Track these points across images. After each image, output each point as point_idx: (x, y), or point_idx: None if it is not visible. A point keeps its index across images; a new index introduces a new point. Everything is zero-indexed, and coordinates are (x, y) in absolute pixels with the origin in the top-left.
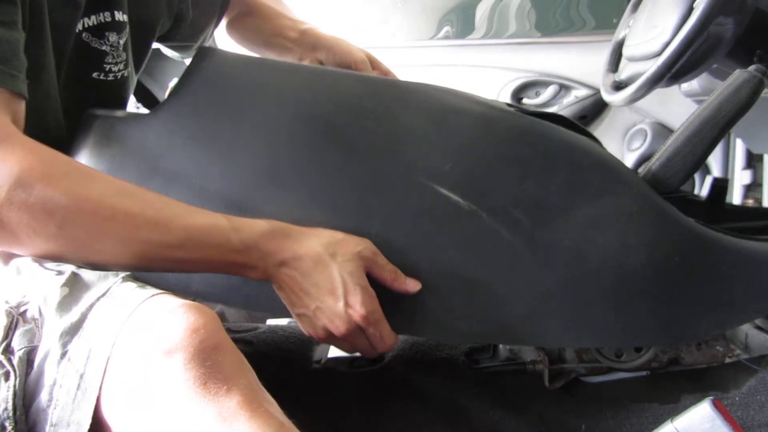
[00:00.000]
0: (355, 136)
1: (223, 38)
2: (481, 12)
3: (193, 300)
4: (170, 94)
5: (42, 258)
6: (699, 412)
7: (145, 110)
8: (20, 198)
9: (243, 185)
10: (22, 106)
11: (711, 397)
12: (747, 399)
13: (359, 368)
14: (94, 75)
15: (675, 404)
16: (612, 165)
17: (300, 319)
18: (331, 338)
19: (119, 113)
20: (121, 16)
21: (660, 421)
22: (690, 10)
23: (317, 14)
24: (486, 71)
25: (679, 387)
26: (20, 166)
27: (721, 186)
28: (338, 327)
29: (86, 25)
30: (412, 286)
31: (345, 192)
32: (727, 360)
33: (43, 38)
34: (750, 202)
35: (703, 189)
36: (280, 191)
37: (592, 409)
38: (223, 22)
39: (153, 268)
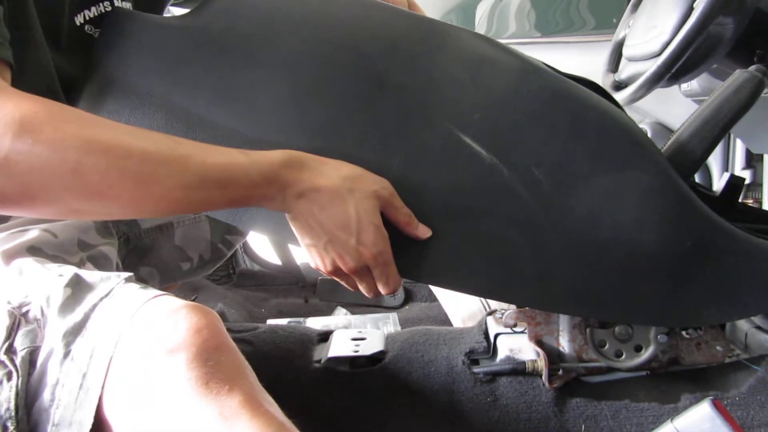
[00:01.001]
0: (388, 71)
1: None
2: (481, 12)
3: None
4: (185, 21)
5: (61, 216)
6: (699, 412)
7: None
8: (27, 145)
9: (269, 108)
10: (8, 74)
11: (711, 397)
12: (747, 399)
13: (359, 368)
14: None
15: (675, 404)
16: (640, 139)
17: (309, 250)
18: (337, 272)
19: (146, 14)
20: (121, 3)
21: (660, 421)
22: (690, 10)
23: None
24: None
25: (679, 387)
26: (22, 113)
27: (736, 184)
28: (347, 263)
29: (87, 18)
30: (423, 231)
31: (370, 125)
32: (727, 360)
33: (28, 19)
34: (750, 202)
35: (718, 184)
36: (303, 116)
37: (592, 409)
38: None
39: (174, 211)
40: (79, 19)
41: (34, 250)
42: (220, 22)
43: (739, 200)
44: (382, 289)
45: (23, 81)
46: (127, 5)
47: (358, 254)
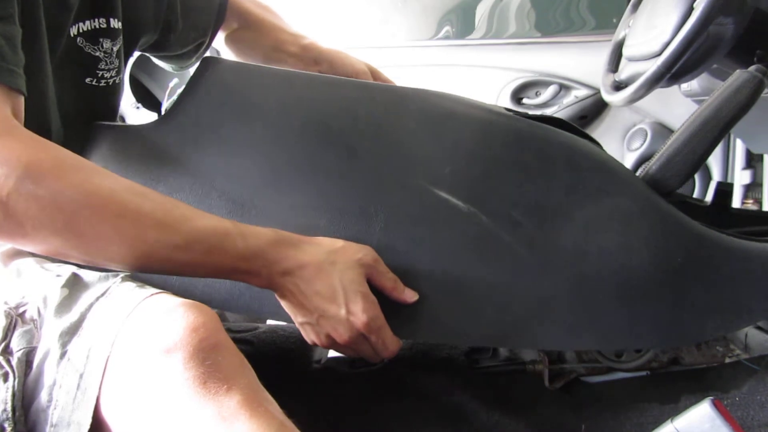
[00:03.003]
0: (355, 141)
1: (223, 50)
2: (481, 12)
3: None
4: (174, 103)
5: (45, 254)
6: (699, 412)
7: (144, 110)
8: (29, 189)
9: (246, 191)
10: (21, 102)
11: (711, 397)
12: (747, 399)
13: (359, 368)
14: (87, 80)
15: (675, 404)
16: (611, 166)
17: (303, 327)
18: (334, 345)
19: (125, 124)
20: (116, 23)
21: (660, 421)
22: (690, 10)
23: (317, 14)
24: (486, 71)
25: (679, 387)
26: (29, 158)
27: (724, 190)
28: (341, 334)
29: (80, 30)
30: (410, 296)
31: (346, 196)
32: (727, 360)
33: (37, 36)
34: (750, 202)
35: (707, 194)
36: (282, 197)
37: (592, 409)
38: (222, 36)
39: (157, 270)
40: (73, 31)
41: (34, 253)
42: (191, 120)
43: (739, 202)
44: (381, 354)
45: (28, 105)
46: (119, 25)
47: (350, 324)
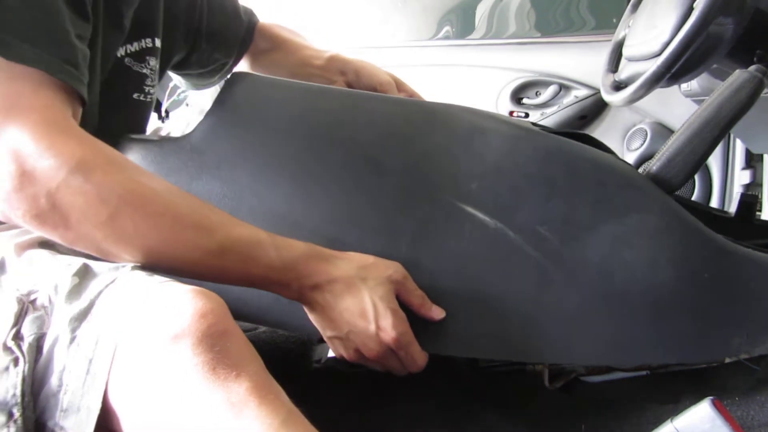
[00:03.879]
0: (382, 156)
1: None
2: (481, 12)
3: None
4: (204, 117)
5: (82, 248)
6: (699, 412)
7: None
8: (78, 182)
9: (275, 206)
10: (79, 111)
11: (711, 397)
12: (747, 399)
13: (359, 368)
14: (135, 95)
15: (675, 404)
16: (638, 182)
17: (331, 342)
18: (362, 360)
19: (154, 137)
20: (159, 43)
21: (660, 421)
22: (690, 10)
23: (317, 15)
24: (486, 71)
25: (679, 387)
26: (82, 153)
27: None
28: (371, 350)
29: (128, 51)
30: (437, 313)
31: (373, 212)
32: (727, 360)
33: (94, 58)
34: None
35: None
36: (310, 211)
37: (592, 409)
38: (247, 57)
39: (188, 273)
40: (121, 52)
41: (46, 245)
42: (220, 134)
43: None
44: (409, 368)
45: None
46: (159, 43)
47: (379, 340)
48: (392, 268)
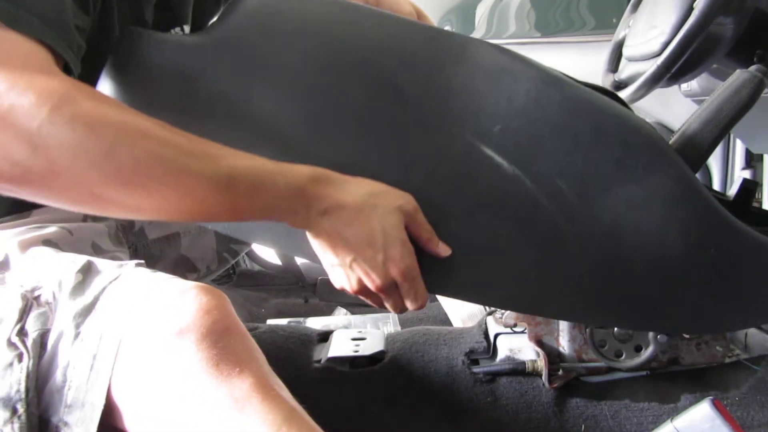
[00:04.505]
0: (407, 84)
1: None
2: (481, 12)
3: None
4: (216, 21)
5: (75, 203)
6: (699, 412)
7: None
8: (65, 117)
9: (286, 124)
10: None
11: (711, 397)
12: (747, 399)
13: (359, 368)
14: None
15: (675, 404)
16: (661, 146)
17: (333, 270)
18: (363, 291)
19: (160, 33)
20: (187, 29)
21: (660, 421)
22: (690, 10)
23: None
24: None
25: (679, 387)
26: (65, 87)
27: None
28: (374, 280)
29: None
30: (444, 249)
31: (389, 140)
32: (727, 360)
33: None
34: None
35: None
36: (325, 132)
37: (592, 409)
38: None
39: (194, 213)
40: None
41: (50, 243)
42: (236, 40)
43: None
44: (409, 305)
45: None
46: (188, 29)
47: (385, 271)
48: (403, 198)
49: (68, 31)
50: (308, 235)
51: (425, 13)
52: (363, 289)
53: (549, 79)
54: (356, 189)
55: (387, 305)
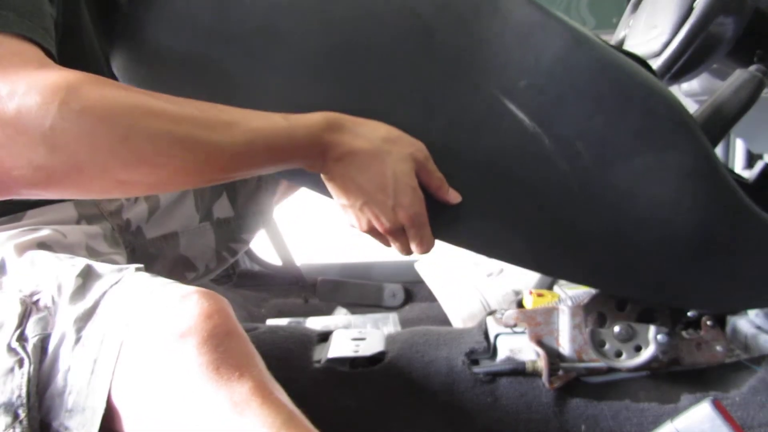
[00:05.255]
0: (438, 31)
1: None
2: None
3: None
4: None
5: (102, 192)
6: (699, 412)
7: None
8: (75, 109)
9: (308, 62)
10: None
11: (711, 397)
12: (747, 399)
13: (359, 368)
14: None
15: (675, 404)
16: (686, 120)
17: (345, 210)
18: (372, 231)
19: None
20: None
21: (660, 421)
22: (690, 10)
23: None
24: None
25: (679, 387)
26: (68, 79)
27: None
28: (383, 223)
29: None
30: (454, 196)
31: (414, 85)
32: (727, 360)
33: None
34: None
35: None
36: (349, 71)
37: (592, 409)
38: None
39: (216, 179)
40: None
41: (45, 246)
42: None
43: None
44: (415, 249)
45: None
46: None
47: (394, 215)
48: (416, 146)
49: (45, 21)
50: (323, 177)
51: None
52: (371, 230)
53: (580, 38)
54: (370, 134)
55: (394, 247)
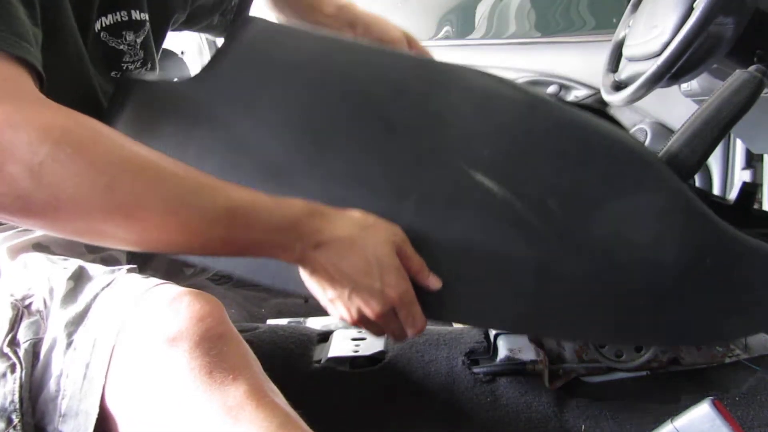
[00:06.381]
0: (394, 114)
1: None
2: (481, 12)
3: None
4: (210, 61)
5: (75, 233)
6: (699, 412)
7: None
8: (66, 153)
9: (278, 158)
10: (38, 83)
11: (711, 397)
12: (747, 399)
13: (359, 368)
14: (113, 74)
15: (675, 404)
16: (649, 160)
17: (333, 303)
18: (363, 320)
19: (155, 78)
20: (138, 15)
21: (660, 421)
22: (690, 10)
23: None
24: (486, 71)
25: (679, 387)
26: (64, 122)
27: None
28: (374, 307)
29: (103, 25)
30: (434, 282)
31: (380, 170)
32: (727, 360)
33: (68, 32)
34: None
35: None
36: (314, 166)
37: (592, 409)
38: None
39: (192, 246)
40: (97, 26)
41: (41, 247)
42: (226, 80)
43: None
44: (409, 331)
45: (58, 86)
46: (144, 16)
47: (383, 297)
48: (392, 230)
49: (28, 33)
50: (303, 272)
51: (414, 38)
52: (362, 319)
53: (533, 101)
54: (347, 222)
55: (387, 332)
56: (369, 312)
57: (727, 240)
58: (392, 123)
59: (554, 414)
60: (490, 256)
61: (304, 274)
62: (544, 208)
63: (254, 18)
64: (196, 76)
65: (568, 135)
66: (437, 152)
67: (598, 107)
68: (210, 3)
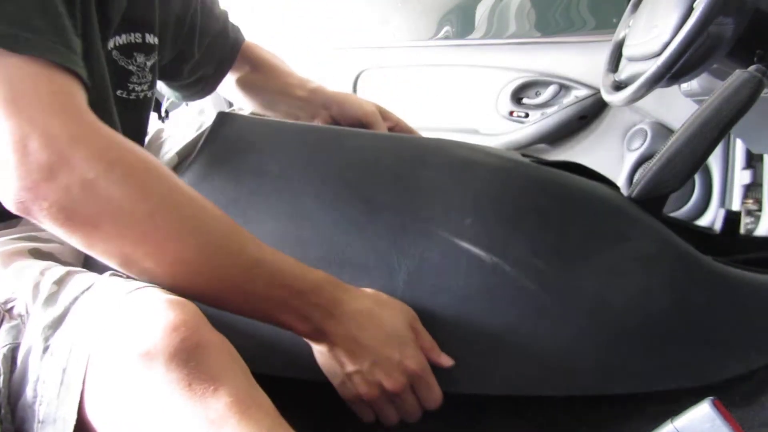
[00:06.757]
0: (374, 194)
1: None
2: (481, 12)
3: None
4: (193, 158)
5: (105, 254)
6: (699, 412)
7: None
8: (118, 175)
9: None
10: (85, 94)
11: (711, 397)
12: (747, 399)
13: None
14: (118, 93)
15: (675, 404)
16: (629, 210)
17: (350, 379)
18: (380, 398)
19: None
20: (151, 39)
21: (660, 421)
22: (690, 10)
23: (317, 14)
24: (486, 71)
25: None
26: (119, 150)
27: (733, 219)
28: (396, 380)
29: (117, 44)
30: (446, 360)
31: (366, 251)
32: None
33: (91, 49)
34: (750, 202)
35: (716, 222)
36: (303, 251)
37: (592, 409)
38: (232, 78)
39: (213, 291)
40: (110, 44)
41: (40, 253)
42: (208, 176)
43: (739, 202)
44: (427, 405)
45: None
46: (156, 40)
47: (404, 369)
48: (405, 307)
49: (79, 53)
50: (317, 348)
51: (387, 110)
52: (381, 394)
53: (509, 164)
54: (363, 297)
55: (403, 411)
56: (390, 384)
57: (716, 277)
58: (372, 202)
59: (554, 415)
60: (487, 321)
61: (318, 350)
62: (534, 267)
63: (232, 114)
64: (180, 172)
65: (546, 194)
66: (420, 225)
67: (574, 163)
68: (197, 69)
